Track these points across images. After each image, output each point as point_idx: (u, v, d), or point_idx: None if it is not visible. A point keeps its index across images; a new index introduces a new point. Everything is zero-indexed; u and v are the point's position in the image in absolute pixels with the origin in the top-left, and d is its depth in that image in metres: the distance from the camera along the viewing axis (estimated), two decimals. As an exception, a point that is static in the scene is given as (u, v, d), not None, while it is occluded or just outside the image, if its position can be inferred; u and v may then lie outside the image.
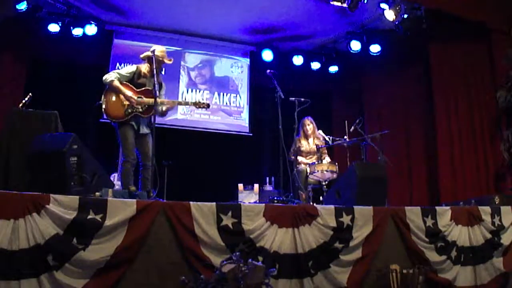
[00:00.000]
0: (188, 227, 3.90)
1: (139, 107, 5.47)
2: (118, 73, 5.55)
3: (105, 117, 5.63)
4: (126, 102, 5.45)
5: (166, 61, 5.78)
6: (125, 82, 5.53)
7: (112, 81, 5.44)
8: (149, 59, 5.64)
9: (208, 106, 5.77)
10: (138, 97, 5.47)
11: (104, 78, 5.47)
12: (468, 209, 5.18)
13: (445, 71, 8.69)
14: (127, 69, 5.66)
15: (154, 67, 5.36)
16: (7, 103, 7.36)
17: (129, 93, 5.46)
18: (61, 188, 3.85)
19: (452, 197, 7.69)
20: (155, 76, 5.28)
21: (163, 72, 5.54)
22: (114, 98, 5.47)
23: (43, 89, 7.51)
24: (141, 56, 5.75)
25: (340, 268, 4.29)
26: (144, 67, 5.70)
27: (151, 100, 5.40)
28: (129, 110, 5.45)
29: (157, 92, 5.32)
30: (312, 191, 6.65)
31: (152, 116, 5.41)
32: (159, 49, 5.71)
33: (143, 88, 5.57)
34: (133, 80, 5.59)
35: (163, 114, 5.81)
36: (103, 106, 5.48)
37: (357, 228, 4.47)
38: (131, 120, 5.50)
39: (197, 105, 5.72)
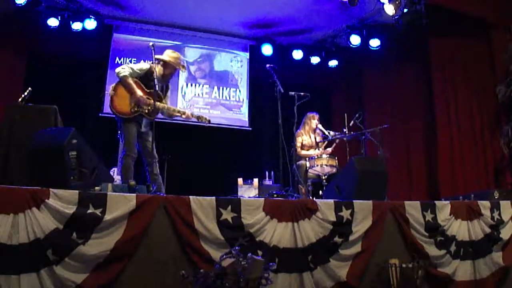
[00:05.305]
0: (188, 221, 3.90)
1: (146, 108, 5.47)
2: (131, 68, 5.51)
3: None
4: (134, 100, 5.44)
5: (180, 68, 5.86)
6: (135, 79, 5.51)
7: (126, 76, 5.41)
8: (164, 63, 5.69)
9: (209, 121, 5.80)
10: (147, 98, 5.47)
11: (117, 71, 5.44)
12: (468, 203, 5.18)
13: (445, 66, 8.70)
14: (141, 66, 5.59)
15: (156, 71, 5.45)
16: (6, 97, 7.35)
17: (139, 93, 5.44)
18: (61, 182, 3.85)
19: (452, 192, 7.71)
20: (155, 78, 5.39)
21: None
22: (123, 94, 5.45)
23: (43, 84, 7.46)
24: (156, 56, 5.66)
25: (340, 262, 4.29)
26: (158, 69, 5.65)
27: (159, 105, 5.47)
28: (136, 109, 5.44)
29: (163, 98, 5.58)
30: (311, 185, 6.66)
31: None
32: (173, 55, 5.76)
33: (153, 91, 5.50)
34: (143, 78, 5.54)
35: (170, 116, 5.86)
36: (110, 99, 5.45)
37: (357, 222, 4.47)
38: (136, 118, 5.50)
39: (199, 118, 5.73)
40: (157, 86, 5.47)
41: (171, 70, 5.77)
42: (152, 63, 5.54)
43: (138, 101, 5.42)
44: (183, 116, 5.71)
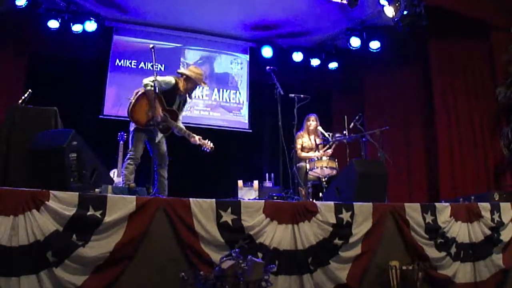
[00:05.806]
0: (188, 223, 3.90)
1: (161, 124, 5.66)
2: (158, 81, 5.60)
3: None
4: (151, 114, 5.55)
5: (202, 84, 6.09)
6: (158, 94, 5.60)
7: (152, 91, 5.53)
8: (187, 77, 5.89)
9: (212, 149, 5.94)
10: (164, 115, 5.64)
11: (145, 82, 5.59)
12: (468, 205, 5.19)
13: (445, 68, 8.69)
14: (167, 80, 5.77)
15: (157, 89, 5.53)
16: (6, 99, 7.36)
17: (159, 111, 5.57)
18: (61, 184, 3.85)
19: (452, 194, 7.70)
20: (157, 90, 5.51)
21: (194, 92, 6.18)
22: (144, 104, 5.61)
23: (43, 85, 7.48)
24: (179, 71, 6.01)
25: (340, 264, 4.29)
26: (181, 84, 5.86)
27: (173, 123, 5.73)
28: (151, 122, 5.58)
29: (179, 114, 5.86)
30: (311, 187, 6.65)
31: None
32: (196, 71, 5.98)
33: (172, 108, 5.78)
34: (166, 92, 5.72)
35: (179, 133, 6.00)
36: (132, 105, 5.61)
37: (357, 224, 4.47)
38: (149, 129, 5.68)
39: (204, 145, 5.88)
40: (181, 99, 5.90)
41: (193, 85, 5.98)
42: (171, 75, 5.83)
43: (156, 117, 5.54)
44: (191, 139, 5.87)
